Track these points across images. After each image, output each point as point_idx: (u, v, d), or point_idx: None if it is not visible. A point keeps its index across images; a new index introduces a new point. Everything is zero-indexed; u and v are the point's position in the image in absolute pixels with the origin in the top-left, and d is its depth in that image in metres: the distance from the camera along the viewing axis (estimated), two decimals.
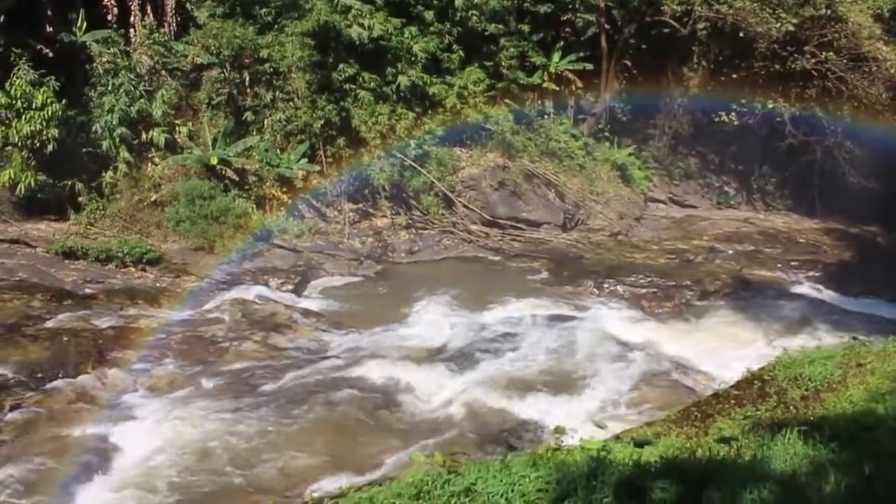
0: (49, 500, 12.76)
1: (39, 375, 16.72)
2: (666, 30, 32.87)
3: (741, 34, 30.56)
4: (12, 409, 15.39)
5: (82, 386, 16.49)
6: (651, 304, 23.26)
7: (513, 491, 5.32)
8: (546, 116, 33.32)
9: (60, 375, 16.76)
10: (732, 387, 10.52)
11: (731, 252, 28.52)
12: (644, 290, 24.06)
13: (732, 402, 9.71)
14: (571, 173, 31.74)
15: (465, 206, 28.78)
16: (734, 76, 32.68)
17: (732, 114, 32.10)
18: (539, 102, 33.57)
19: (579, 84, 33.92)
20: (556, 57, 33.71)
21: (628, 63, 34.96)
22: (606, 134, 34.82)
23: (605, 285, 24.41)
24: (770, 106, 31.31)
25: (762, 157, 34.37)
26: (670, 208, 34.82)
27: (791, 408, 8.86)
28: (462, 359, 18.47)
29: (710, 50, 33.40)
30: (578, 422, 13.57)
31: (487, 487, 5.40)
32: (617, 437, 9.52)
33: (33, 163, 23.68)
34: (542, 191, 30.51)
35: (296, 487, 12.76)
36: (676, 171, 35.48)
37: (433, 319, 21.10)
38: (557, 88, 33.64)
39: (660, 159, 35.31)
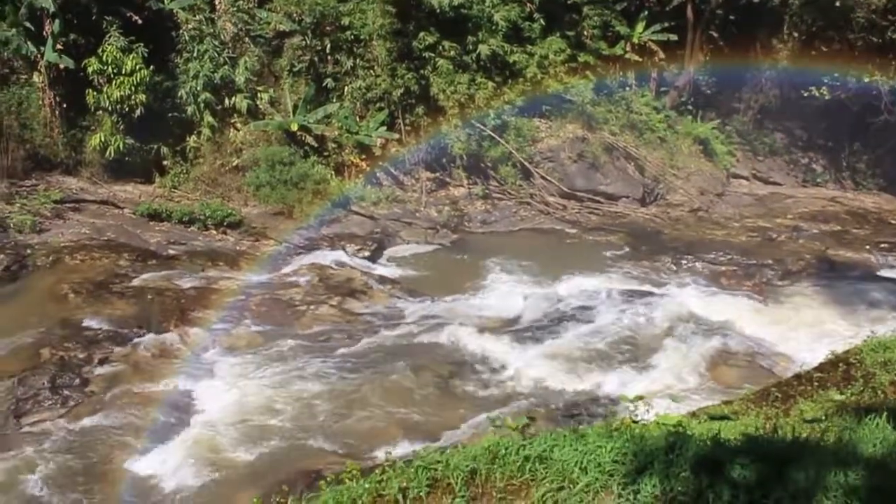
0: (133, 450, 13.28)
1: (125, 331, 17.37)
2: None
3: (837, 3, 29.31)
4: (101, 362, 16.06)
5: (165, 342, 17.07)
6: (730, 282, 22.74)
7: (588, 460, 5.29)
8: (627, 88, 32.69)
9: (145, 332, 17.39)
10: (815, 369, 10.22)
11: (816, 232, 27.65)
12: (723, 268, 23.54)
13: (815, 384, 9.42)
14: (652, 147, 31.16)
15: (542, 177, 28.54)
16: (827, 48, 31.42)
17: (824, 88, 30.88)
18: (621, 74, 32.90)
19: (662, 55, 33.12)
20: (639, 27, 32.95)
21: (714, 34, 33.95)
22: (689, 107, 33.98)
23: (684, 262, 23.97)
24: (866, 80, 29.97)
25: (854, 134, 33.04)
26: (753, 185, 33.87)
27: (879, 393, 8.56)
28: (535, 330, 18.42)
29: (802, 20, 32.14)
30: (653, 397, 13.45)
31: (562, 455, 5.38)
32: (693, 414, 9.38)
33: (122, 127, 24.40)
34: (622, 164, 30.03)
35: (369, 450, 12.96)
36: (761, 147, 34.45)
37: (507, 290, 21.09)
38: (640, 59, 32.90)
39: (744, 134, 34.32)
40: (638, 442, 5.54)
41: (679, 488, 4.96)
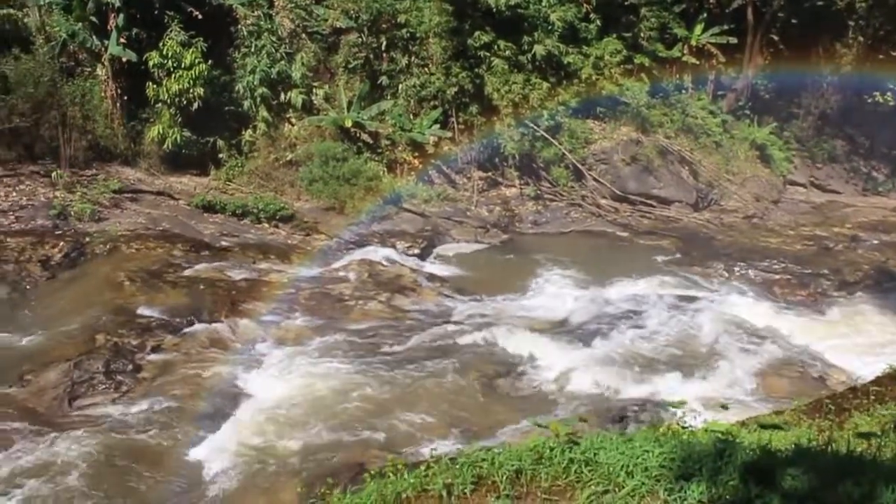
0: (182, 435, 13.52)
1: (178, 320, 17.69)
2: (820, 2, 31.10)
3: None
4: (153, 349, 16.39)
5: (216, 332, 17.34)
6: (784, 290, 22.31)
7: (634, 464, 5.24)
8: (684, 91, 32.27)
9: (196, 321, 17.69)
10: (872, 382, 9.97)
11: (875, 242, 27.01)
12: (777, 277, 23.14)
13: (871, 397, 9.19)
14: (707, 151, 30.74)
15: (595, 179, 28.36)
16: (894, 52, 30.61)
17: (888, 94, 30.13)
18: (677, 76, 32.53)
19: (721, 58, 32.64)
20: (697, 29, 32.52)
21: (775, 37, 33.35)
22: (747, 111, 33.44)
23: (736, 269, 23.60)
24: None
25: None
26: (811, 192, 33.21)
27: None
28: (584, 333, 18.30)
29: (868, 24, 31.42)
30: (701, 405, 13.27)
31: (608, 458, 5.33)
32: (742, 423, 9.23)
33: (180, 119, 24.87)
34: (676, 168, 29.68)
35: (413, 446, 13.00)
36: (820, 154, 33.76)
37: (556, 291, 21.00)
38: (697, 62, 32.48)
39: (803, 140, 33.67)
40: (685, 447, 5.47)
41: (727, 496, 4.88)
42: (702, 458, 5.25)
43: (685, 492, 4.95)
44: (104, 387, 14.89)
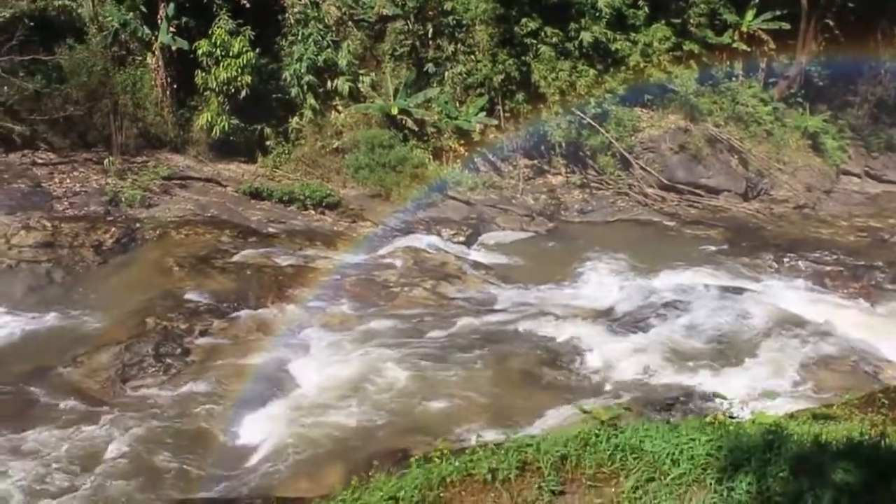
0: (228, 418, 13.74)
1: (225, 305, 17.94)
2: None
3: None
4: (201, 334, 16.64)
5: (262, 317, 17.54)
6: (835, 283, 21.83)
7: (681, 453, 5.20)
8: (734, 78, 31.71)
9: (243, 306, 17.91)
10: None
11: None
12: (829, 268, 22.64)
13: None
14: (757, 140, 30.21)
15: (642, 168, 28.06)
16: None
17: None
18: (727, 63, 31.94)
19: (773, 45, 31.93)
20: (749, 15, 31.87)
21: (830, 22, 32.50)
22: (799, 99, 32.72)
23: (786, 260, 23.17)
24: None
25: None
26: (865, 182, 32.44)
27: None
28: (629, 322, 18.14)
29: None
30: (748, 396, 13.10)
31: (654, 446, 5.31)
32: (791, 416, 9.09)
33: (228, 107, 25.14)
34: (725, 157, 29.23)
35: (456, 433, 13.03)
36: (876, 143, 32.94)
37: (602, 280, 20.85)
38: (748, 49, 31.84)
39: (858, 129, 32.88)
40: (733, 438, 5.42)
41: (777, 488, 4.82)
42: (750, 448, 5.19)
43: (733, 482, 4.89)
44: (154, 369, 15.18)
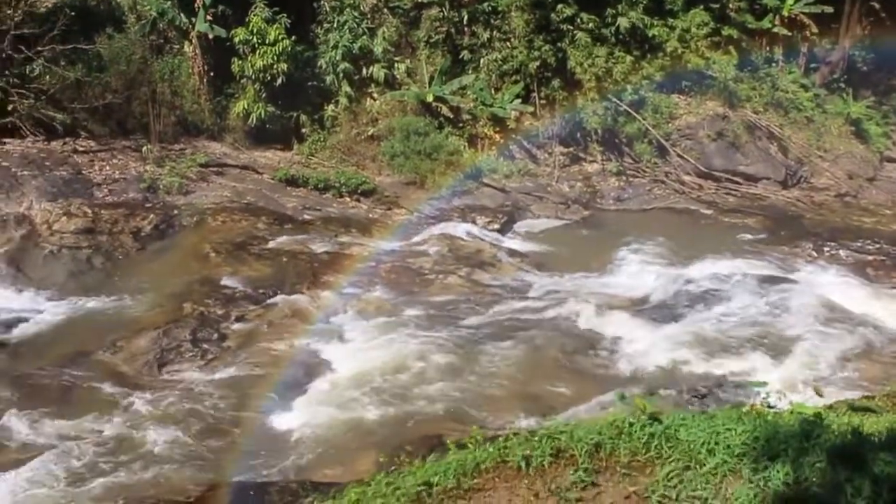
0: (263, 403, 13.91)
1: (261, 291, 18.13)
2: None
3: None
4: (237, 319, 16.85)
5: (297, 304, 17.70)
6: (878, 272, 21.39)
7: (717, 442, 5.14)
8: (774, 64, 31.10)
9: (279, 292, 18.09)
10: None
11: None
12: (871, 258, 22.21)
13: None
14: (797, 126, 29.64)
15: (679, 155, 27.71)
16: None
17: None
18: (767, 48, 31.31)
19: (815, 29, 31.19)
20: None
21: (876, 5, 31.69)
22: (841, 85, 31.99)
23: (826, 249, 22.76)
24: None
25: None
26: None
27: None
28: (664, 311, 18.01)
29: None
30: (786, 387, 12.92)
31: (689, 435, 5.25)
32: (830, 407, 8.95)
33: (264, 95, 25.30)
34: (764, 144, 28.76)
35: (490, 419, 13.07)
36: None
37: (637, 269, 20.69)
38: (789, 33, 31.16)
39: None
40: (770, 427, 5.34)
41: (814, 478, 4.75)
42: (787, 438, 5.12)
43: (769, 472, 4.83)
44: (191, 354, 15.40)
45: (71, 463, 12.12)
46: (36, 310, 17.27)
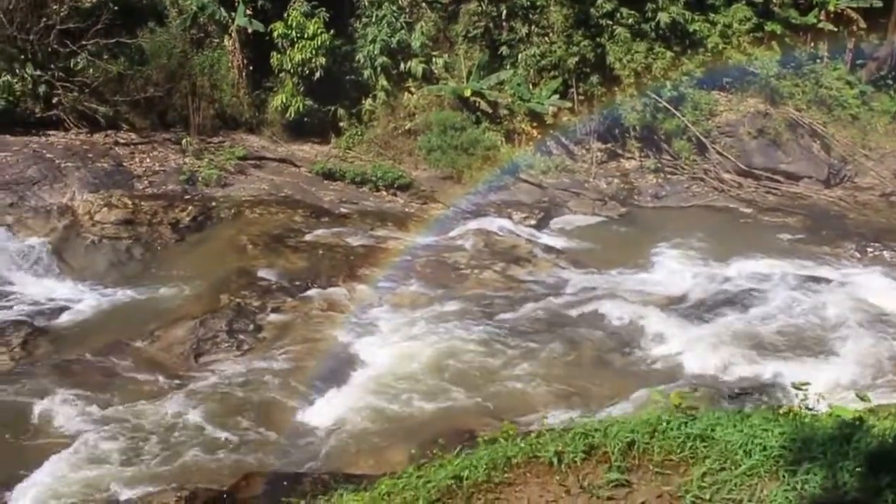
0: (297, 394, 14.02)
1: (297, 283, 18.25)
2: None
3: None
4: (273, 311, 16.99)
5: (333, 296, 17.81)
6: None
7: (753, 443, 5.05)
8: (818, 60, 30.49)
9: (315, 285, 18.21)
10: None
11: None
12: None
13: None
14: (841, 124, 29.07)
15: (719, 153, 27.36)
16: None
17: None
18: (811, 44, 30.72)
19: (862, 24, 30.48)
20: None
21: None
22: (889, 81, 31.24)
23: (870, 249, 22.33)
24: None
25: None
26: None
27: None
28: (701, 310, 17.79)
29: None
30: (825, 389, 12.69)
31: (725, 435, 5.17)
32: (871, 410, 8.78)
33: (302, 89, 25.44)
34: (806, 142, 28.27)
35: (523, 415, 13.02)
36: None
37: (675, 267, 20.47)
38: (835, 29, 30.50)
39: None
40: (808, 430, 5.24)
41: (853, 483, 4.65)
42: (826, 442, 5.02)
43: (807, 475, 4.74)
44: (227, 344, 15.57)
45: (111, 447, 12.36)
46: (77, 298, 17.60)
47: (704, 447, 5.09)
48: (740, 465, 4.90)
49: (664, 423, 5.26)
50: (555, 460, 5.13)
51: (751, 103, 28.36)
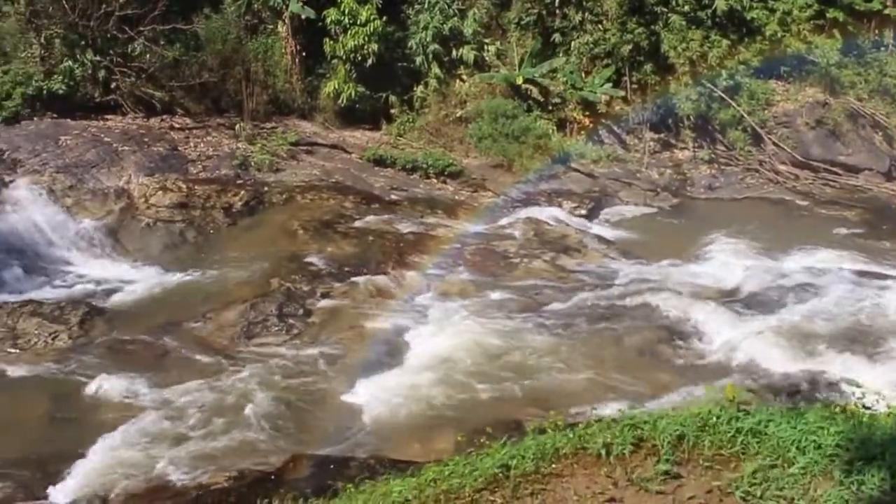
0: (345, 379, 14.15)
1: (346, 269, 18.36)
2: None
3: None
4: (322, 296, 17.12)
5: (382, 283, 17.86)
6: None
7: (807, 441, 4.95)
8: (883, 49, 29.63)
9: (364, 271, 18.27)
10: None
11: None
12: None
13: None
14: None
15: (775, 143, 26.80)
16: None
17: None
18: (876, 32, 29.82)
19: None
20: None
21: None
22: None
23: None
24: None
25: None
26: None
27: None
28: (754, 304, 17.46)
29: None
30: (884, 388, 12.39)
31: (778, 432, 5.08)
32: None
33: (354, 75, 25.51)
34: (867, 133, 27.53)
35: (570, 406, 12.91)
36: None
37: (727, 260, 20.08)
38: None
39: None
40: (865, 429, 5.12)
41: None
42: (885, 442, 4.90)
43: (864, 476, 4.63)
44: (277, 328, 15.75)
45: (162, 426, 12.62)
46: (132, 280, 17.99)
47: (756, 443, 5.00)
48: (793, 463, 4.81)
49: (715, 417, 5.19)
50: (603, 452, 5.09)
51: (809, 93, 27.71)
